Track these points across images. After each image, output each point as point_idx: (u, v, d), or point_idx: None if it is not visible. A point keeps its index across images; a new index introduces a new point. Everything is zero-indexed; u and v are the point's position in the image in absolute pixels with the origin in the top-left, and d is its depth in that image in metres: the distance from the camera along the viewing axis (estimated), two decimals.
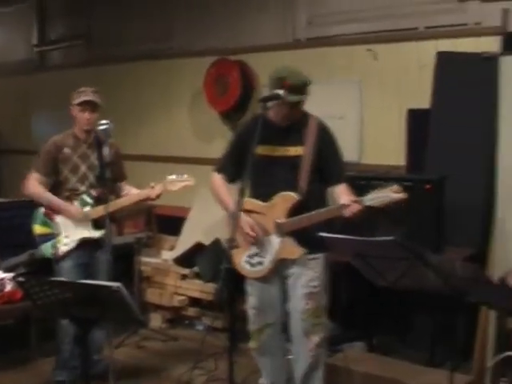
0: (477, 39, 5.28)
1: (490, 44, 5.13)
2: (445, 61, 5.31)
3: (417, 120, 5.53)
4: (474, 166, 5.12)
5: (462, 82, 5.19)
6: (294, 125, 3.98)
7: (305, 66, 5.98)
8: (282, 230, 3.94)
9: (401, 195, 3.64)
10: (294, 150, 3.96)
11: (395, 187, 3.65)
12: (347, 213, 3.72)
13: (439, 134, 5.30)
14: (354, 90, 5.90)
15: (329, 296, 4.14)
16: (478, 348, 4.80)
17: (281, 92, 3.76)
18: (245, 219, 3.93)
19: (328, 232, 3.45)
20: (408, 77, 5.63)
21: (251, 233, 3.96)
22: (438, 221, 4.94)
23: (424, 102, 5.42)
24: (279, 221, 3.94)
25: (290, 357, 4.28)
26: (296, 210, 3.90)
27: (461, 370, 4.75)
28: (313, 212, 3.83)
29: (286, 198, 3.93)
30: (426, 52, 5.46)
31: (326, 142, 4.02)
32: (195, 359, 4.98)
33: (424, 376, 4.54)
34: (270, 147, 3.96)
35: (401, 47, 5.68)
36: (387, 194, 3.65)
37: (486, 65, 5.02)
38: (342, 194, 3.92)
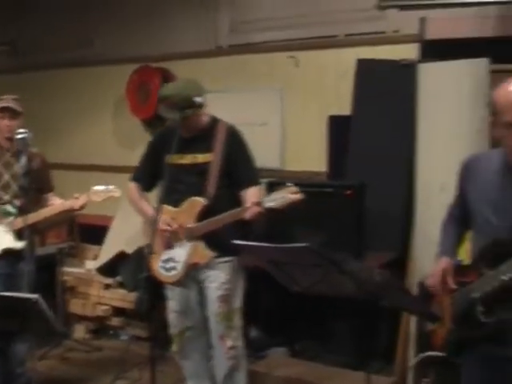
0: (395, 47, 5.38)
1: (408, 51, 5.21)
2: (364, 68, 5.39)
3: (338, 126, 5.58)
4: (394, 172, 5.19)
5: (381, 89, 5.28)
6: (202, 132, 4.10)
7: (227, 73, 6.12)
8: (191, 235, 4.02)
9: (298, 196, 3.71)
10: (202, 157, 4.07)
11: (292, 188, 3.72)
12: (248, 215, 3.79)
13: (359, 141, 5.37)
14: (276, 96, 5.92)
15: (248, 300, 4.19)
16: (400, 350, 4.86)
17: (163, 109, 4.00)
18: (161, 219, 3.97)
19: (245, 238, 3.47)
20: (329, 84, 5.68)
21: (167, 227, 4.02)
22: (358, 226, 4.99)
23: (345, 108, 5.48)
24: (188, 225, 4.02)
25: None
26: (205, 215, 3.99)
27: (384, 373, 4.84)
28: (219, 216, 3.91)
29: (194, 204, 4.03)
30: (347, 59, 5.51)
31: (234, 147, 4.11)
32: (119, 369, 4.93)
33: (344, 378, 4.59)
34: (180, 155, 4.05)
35: (321, 54, 5.74)
36: (284, 195, 3.71)
37: (405, 72, 5.10)
38: (248, 198, 3.99)
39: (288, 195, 3.71)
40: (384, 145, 5.24)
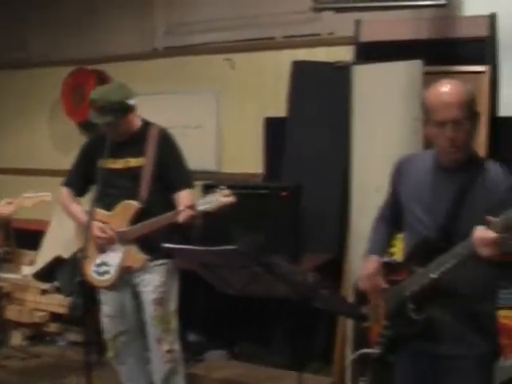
0: (331, 49, 5.42)
1: (343, 53, 5.25)
2: (300, 70, 5.39)
3: (274, 128, 5.59)
4: (329, 174, 5.22)
5: (317, 90, 5.30)
6: (134, 136, 4.07)
7: (163, 76, 6.08)
8: (124, 238, 3.99)
9: (230, 199, 3.74)
10: (134, 161, 4.04)
11: (225, 191, 3.75)
12: (181, 218, 3.80)
13: (295, 143, 5.38)
14: (212, 99, 5.91)
15: (184, 303, 4.18)
16: (337, 349, 4.90)
17: (92, 114, 3.95)
18: (94, 225, 3.95)
19: (181, 242, 3.47)
20: (266, 86, 5.70)
21: (102, 234, 3.98)
22: (294, 228, 5.00)
23: (283, 110, 5.49)
24: (121, 229, 3.99)
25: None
26: (139, 219, 3.98)
27: (323, 373, 4.87)
28: (153, 219, 3.89)
29: (127, 207, 4.01)
30: (284, 61, 5.52)
31: (166, 150, 4.09)
32: (56, 376, 4.85)
33: (282, 380, 4.60)
34: (112, 160, 4.02)
35: (258, 56, 5.75)
36: (217, 198, 3.74)
37: (340, 74, 5.13)
38: (181, 201, 3.98)
39: (221, 198, 3.74)
40: (320, 146, 5.26)
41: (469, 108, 2.63)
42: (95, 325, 4.25)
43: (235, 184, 5.11)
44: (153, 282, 4.06)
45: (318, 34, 5.53)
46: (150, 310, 4.08)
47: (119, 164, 4.05)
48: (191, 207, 3.79)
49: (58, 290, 5.83)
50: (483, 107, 4.43)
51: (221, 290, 2.78)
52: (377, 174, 4.70)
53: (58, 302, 5.82)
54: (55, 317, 5.94)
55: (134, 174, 4.03)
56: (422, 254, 2.72)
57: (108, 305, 4.17)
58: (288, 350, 5.19)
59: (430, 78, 4.63)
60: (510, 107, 4.77)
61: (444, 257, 2.58)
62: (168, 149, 4.11)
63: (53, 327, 5.98)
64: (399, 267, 2.89)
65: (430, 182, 2.77)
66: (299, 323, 5.14)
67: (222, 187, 3.77)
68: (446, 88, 2.65)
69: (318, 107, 5.29)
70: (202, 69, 5.97)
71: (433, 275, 2.61)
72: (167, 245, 2.74)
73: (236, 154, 5.88)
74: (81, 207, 4.20)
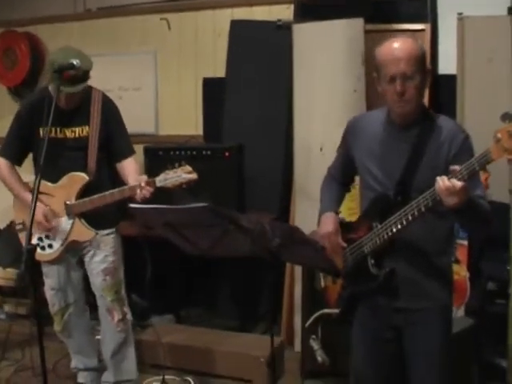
0: (271, 7, 5.35)
1: (284, 12, 5.22)
2: (239, 29, 5.33)
3: (213, 89, 5.52)
4: (270, 134, 5.20)
5: (257, 50, 5.25)
6: (79, 103, 3.82)
7: (96, 38, 5.92)
8: (72, 212, 3.81)
9: (192, 176, 3.59)
10: (79, 130, 3.83)
11: (187, 168, 3.58)
12: (139, 195, 3.61)
13: (235, 103, 5.33)
14: (149, 60, 5.79)
15: (128, 269, 4.09)
16: (286, 308, 4.94)
17: (58, 83, 3.58)
18: (39, 207, 3.70)
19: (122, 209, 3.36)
20: (204, 46, 5.62)
21: (44, 223, 3.78)
22: (238, 188, 5.00)
23: (220, 71, 5.43)
24: (69, 202, 3.81)
25: (99, 337, 4.19)
26: (86, 191, 3.79)
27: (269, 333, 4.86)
28: (106, 193, 3.71)
29: (76, 179, 3.81)
30: (222, 20, 5.47)
31: (110, 116, 3.89)
32: (1, 350, 4.71)
33: (232, 341, 4.60)
34: (57, 129, 3.79)
35: (196, 16, 5.64)
36: (179, 175, 3.58)
37: (279, 33, 5.10)
38: (131, 173, 3.82)
39: (183, 175, 3.58)
40: (260, 107, 5.24)
41: (419, 63, 2.61)
42: (40, 295, 4.10)
43: (176, 146, 5.08)
44: (101, 251, 3.92)
45: None
46: (98, 281, 3.95)
47: (64, 133, 3.82)
48: (150, 183, 3.60)
49: None
50: None
51: (187, 251, 2.67)
52: (320, 134, 4.72)
53: None
54: None
55: (80, 143, 3.82)
56: (379, 210, 2.71)
57: (52, 277, 3.98)
58: (233, 312, 5.21)
59: (370, 37, 4.68)
60: (449, 65, 4.80)
61: (404, 210, 2.57)
62: (111, 115, 3.91)
63: None
64: (356, 225, 2.87)
65: (385, 139, 2.76)
66: (244, 284, 5.16)
67: (183, 163, 3.59)
68: (396, 43, 2.63)
69: (258, 67, 5.24)
70: (138, 30, 5.83)
71: (394, 228, 2.61)
72: (132, 205, 2.59)
73: (174, 116, 5.78)
74: (20, 181, 3.92)
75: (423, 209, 2.51)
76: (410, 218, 2.56)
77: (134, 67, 5.83)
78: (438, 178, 2.40)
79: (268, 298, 5.19)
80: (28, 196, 3.80)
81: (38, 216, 3.72)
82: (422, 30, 4.77)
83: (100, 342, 4.16)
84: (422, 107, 2.72)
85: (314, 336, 4.03)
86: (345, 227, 2.93)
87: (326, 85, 4.71)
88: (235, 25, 5.34)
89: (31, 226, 3.18)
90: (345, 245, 2.87)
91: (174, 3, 5.71)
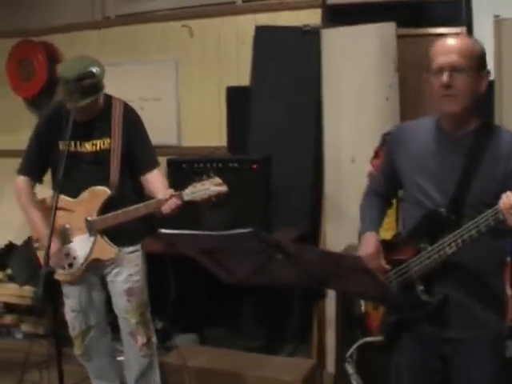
0: (297, 13, 5.14)
1: (310, 17, 5.01)
2: (264, 35, 5.13)
3: (236, 98, 5.30)
4: (298, 144, 4.97)
5: (283, 57, 5.04)
6: (99, 114, 3.64)
7: (116, 46, 5.73)
8: (93, 228, 3.61)
9: (222, 188, 3.39)
10: (101, 143, 3.64)
11: (216, 179, 3.39)
12: (166, 209, 3.42)
13: (260, 113, 5.11)
14: (170, 69, 5.57)
15: (151, 289, 3.89)
16: (316, 331, 4.71)
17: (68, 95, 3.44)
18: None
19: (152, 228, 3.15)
20: (227, 53, 5.41)
21: (57, 256, 3.59)
22: (265, 202, 4.78)
23: (245, 79, 5.24)
24: (90, 218, 3.60)
25: (121, 358, 4.02)
26: (109, 206, 3.59)
27: (298, 355, 4.68)
28: (130, 207, 3.51)
29: (97, 193, 3.62)
30: (246, 27, 5.26)
31: (133, 127, 3.71)
32: (19, 371, 4.51)
33: (262, 363, 4.37)
34: (77, 142, 3.61)
35: (218, 22, 5.43)
36: (208, 187, 3.38)
37: (307, 39, 4.91)
38: (158, 186, 3.62)
39: (212, 187, 3.38)
40: (287, 116, 5.02)
41: (473, 59, 2.41)
42: (59, 316, 3.90)
43: (200, 158, 4.87)
44: (124, 271, 3.72)
45: None
46: (121, 302, 3.75)
47: (84, 147, 3.64)
48: (178, 197, 3.42)
49: (11, 279, 5.56)
50: None
51: (223, 279, 2.43)
52: (350, 145, 4.55)
53: (13, 292, 5.48)
54: (10, 307, 5.59)
55: (101, 156, 3.63)
56: (429, 229, 2.48)
57: (73, 299, 3.78)
58: (259, 332, 5.03)
59: (403, 41, 4.49)
60: None
61: (461, 230, 2.34)
62: (134, 126, 3.72)
63: (8, 319, 5.62)
64: (401, 245, 2.64)
65: (436, 150, 2.54)
66: (271, 304, 4.96)
67: (211, 175, 3.39)
68: (451, 38, 2.48)
69: (284, 75, 5.03)
70: (158, 37, 5.63)
71: (449, 250, 2.38)
72: (164, 230, 2.34)
73: (197, 127, 5.58)
74: (39, 213, 3.72)
75: (483, 229, 2.27)
76: (468, 239, 2.32)
77: (155, 76, 5.62)
78: (504, 195, 2.17)
79: (296, 318, 4.98)
80: (41, 227, 3.66)
81: (53, 249, 3.46)
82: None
83: (123, 366, 3.97)
84: (475, 114, 2.50)
85: (349, 359, 3.81)
86: (387, 247, 2.70)
87: (357, 93, 4.54)
88: (260, 31, 5.13)
89: (49, 246, 3.01)
90: (388, 267, 2.65)
91: (196, 9, 5.51)
